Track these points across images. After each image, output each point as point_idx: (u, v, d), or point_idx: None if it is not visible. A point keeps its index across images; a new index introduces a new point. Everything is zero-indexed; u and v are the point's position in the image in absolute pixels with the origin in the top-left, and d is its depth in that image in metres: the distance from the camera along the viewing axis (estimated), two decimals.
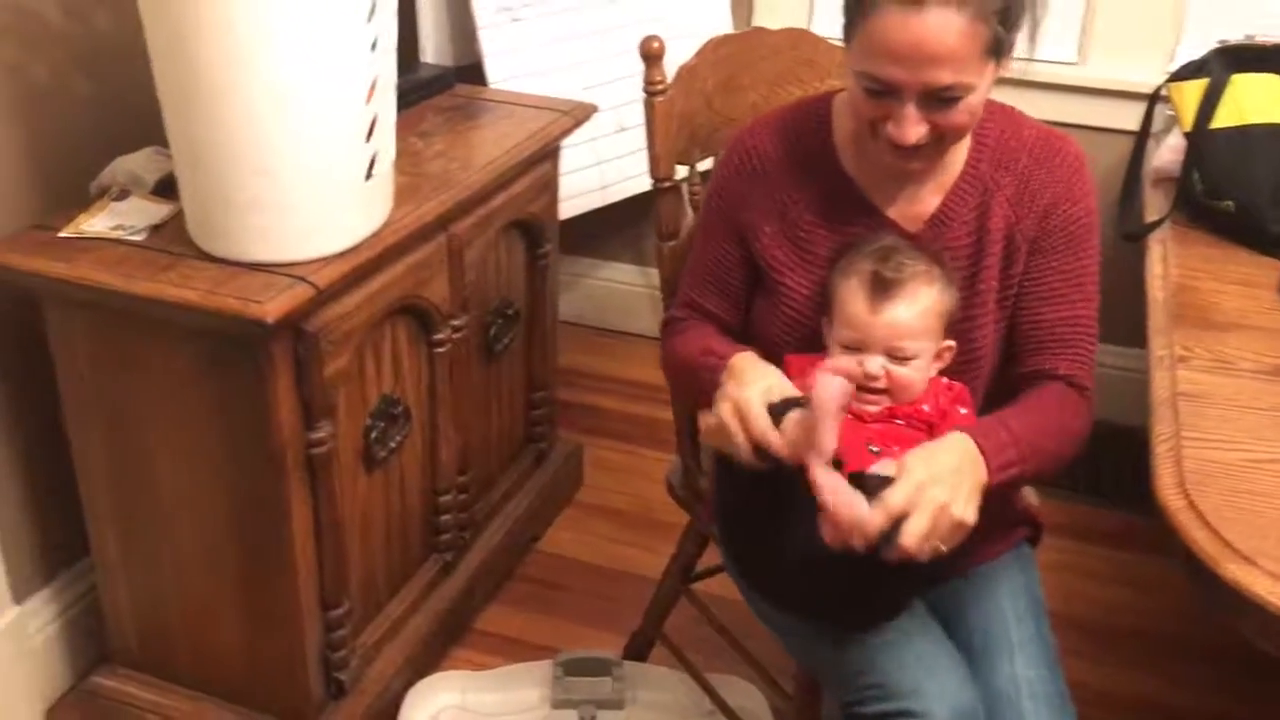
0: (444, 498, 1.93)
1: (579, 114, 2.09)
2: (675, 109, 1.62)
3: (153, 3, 1.38)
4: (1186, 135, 1.88)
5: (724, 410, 1.26)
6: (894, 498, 1.17)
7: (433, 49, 2.32)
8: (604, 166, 2.44)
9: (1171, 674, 2.05)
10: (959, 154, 1.37)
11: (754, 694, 1.84)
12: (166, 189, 1.61)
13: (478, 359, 1.97)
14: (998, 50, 1.25)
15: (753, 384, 1.28)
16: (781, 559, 1.29)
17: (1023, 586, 1.43)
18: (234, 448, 1.55)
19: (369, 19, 1.43)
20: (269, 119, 1.40)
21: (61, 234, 1.54)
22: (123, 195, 1.62)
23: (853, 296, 1.32)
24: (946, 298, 1.34)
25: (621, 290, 2.96)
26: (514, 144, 1.92)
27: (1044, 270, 1.38)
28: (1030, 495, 1.57)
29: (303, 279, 1.46)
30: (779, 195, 1.41)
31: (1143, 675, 2.05)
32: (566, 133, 2.06)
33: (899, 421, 1.33)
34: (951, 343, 1.36)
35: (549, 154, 2.05)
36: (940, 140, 1.29)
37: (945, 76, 1.21)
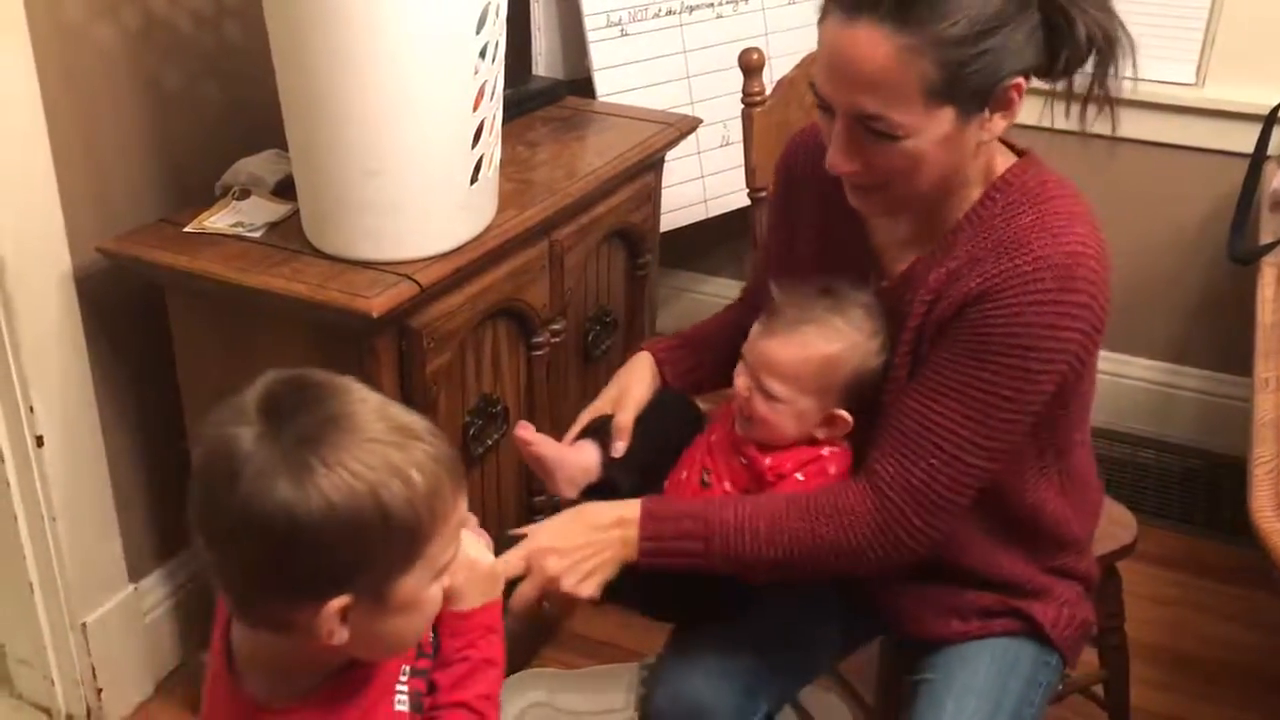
0: (539, 498, 1.97)
1: (683, 126, 2.12)
2: (774, 120, 1.65)
3: (277, 15, 1.46)
4: None
5: None
6: (499, 563, 1.13)
7: (545, 62, 2.38)
8: (708, 180, 2.47)
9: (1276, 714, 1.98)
10: (955, 217, 1.22)
11: (837, 707, 1.83)
12: (285, 189, 1.68)
13: (575, 363, 2.01)
14: (952, 96, 1.09)
15: (602, 396, 1.40)
16: None
17: (978, 685, 1.29)
18: None
19: (478, 30, 1.49)
20: (380, 124, 1.46)
21: (186, 229, 1.63)
22: (244, 194, 1.70)
23: (759, 320, 1.32)
24: (846, 363, 1.25)
25: (722, 304, 2.96)
26: (617, 154, 1.96)
27: (932, 359, 1.20)
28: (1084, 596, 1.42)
29: (408, 277, 1.52)
30: (795, 205, 1.37)
31: (1250, 716, 1.98)
32: (670, 145, 2.09)
33: (743, 460, 1.32)
34: (844, 413, 1.27)
35: (652, 165, 2.08)
36: (882, 186, 1.17)
37: (869, 104, 1.10)
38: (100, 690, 1.85)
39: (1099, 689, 1.70)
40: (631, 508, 1.23)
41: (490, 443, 1.79)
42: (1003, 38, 1.08)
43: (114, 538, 1.83)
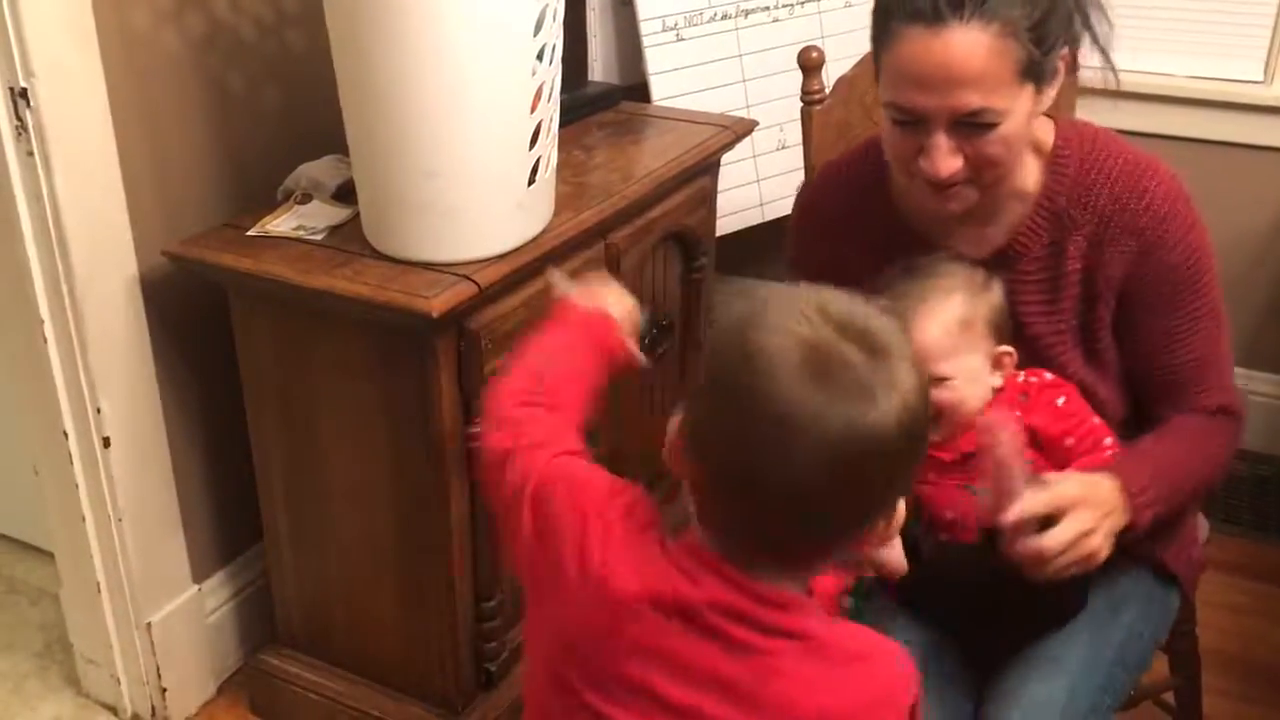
0: None
1: (739, 129, 2.12)
2: (833, 119, 1.63)
3: (338, 20, 1.47)
4: None
5: None
6: (1058, 491, 1.13)
7: (601, 67, 2.39)
8: (763, 184, 2.47)
9: None
10: (1028, 183, 1.29)
11: None
12: (346, 194, 1.70)
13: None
14: (1035, 73, 1.17)
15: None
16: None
17: (1094, 612, 1.29)
18: (398, 439, 1.62)
19: (536, 32, 1.50)
20: (440, 126, 1.47)
21: (249, 232, 1.65)
22: (306, 199, 1.72)
23: None
24: (975, 305, 1.27)
25: None
26: (673, 157, 1.96)
27: (1154, 324, 1.30)
28: (1199, 533, 1.48)
29: (467, 278, 1.53)
30: (839, 249, 1.38)
31: None
32: (726, 147, 2.09)
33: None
34: (1009, 349, 1.29)
35: (708, 168, 2.08)
36: (977, 177, 1.22)
37: (974, 99, 1.15)
38: (165, 690, 1.87)
39: (1169, 697, 1.66)
40: (1110, 480, 1.20)
41: None
42: (1059, 14, 1.18)
43: (178, 538, 1.86)
